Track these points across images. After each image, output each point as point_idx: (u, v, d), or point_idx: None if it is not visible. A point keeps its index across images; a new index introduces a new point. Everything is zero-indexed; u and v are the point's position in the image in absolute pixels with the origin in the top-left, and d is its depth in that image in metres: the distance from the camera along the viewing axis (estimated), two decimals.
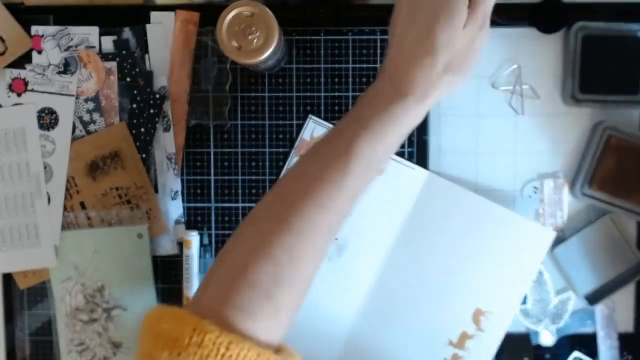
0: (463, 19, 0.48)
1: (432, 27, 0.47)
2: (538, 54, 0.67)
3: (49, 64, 0.67)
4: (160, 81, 0.67)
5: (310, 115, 0.67)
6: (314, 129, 0.67)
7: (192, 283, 0.67)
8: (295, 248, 0.45)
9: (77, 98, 0.67)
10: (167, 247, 0.68)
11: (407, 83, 0.48)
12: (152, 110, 0.67)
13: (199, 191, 0.68)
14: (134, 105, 0.67)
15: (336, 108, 0.68)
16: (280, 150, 0.68)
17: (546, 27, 0.65)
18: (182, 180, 0.68)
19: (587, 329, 0.67)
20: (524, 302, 0.67)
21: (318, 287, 0.65)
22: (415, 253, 0.66)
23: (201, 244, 0.68)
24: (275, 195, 0.49)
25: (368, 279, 0.66)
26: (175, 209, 0.68)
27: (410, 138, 0.67)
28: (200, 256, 0.67)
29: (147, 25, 0.67)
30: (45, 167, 0.67)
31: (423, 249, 0.66)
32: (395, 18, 0.51)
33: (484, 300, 0.65)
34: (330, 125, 0.67)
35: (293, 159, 0.67)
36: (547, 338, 0.67)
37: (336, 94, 0.68)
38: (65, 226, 0.68)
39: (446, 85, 0.49)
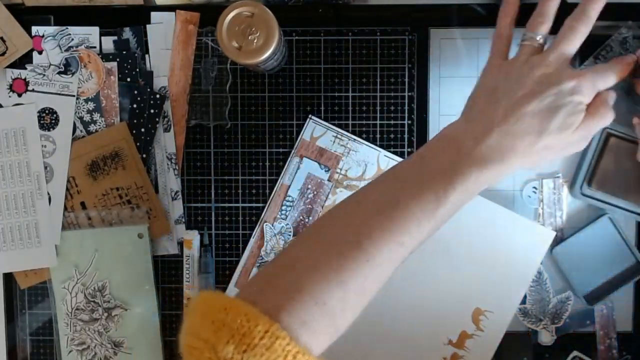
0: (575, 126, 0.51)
1: (546, 127, 0.50)
2: None
3: (50, 64, 0.67)
4: (161, 81, 0.67)
5: (310, 116, 0.67)
6: (314, 129, 0.67)
7: (193, 283, 0.67)
8: (367, 279, 0.46)
9: (77, 98, 0.67)
10: (167, 247, 0.68)
11: (510, 154, 0.49)
12: (152, 110, 0.67)
13: (199, 191, 0.69)
14: (134, 106, 0.67)
15: (336, 108, 0.68)
16: (280, 150, 0.68)
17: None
18: (182, 180, 0.68)
19: (586, 329, 0.68)
20: (524, 301, 0.67)
21: None
22: (415, 253, 0.66)
23: (202, 244, 0.68)
24: (355, 217, 0.48)
25: None
26: (175, 209, 0.68)
27: (410, 138, 0.67)
28: (200, 256, 0.68)
29: (148, 26, 0.67)
30: (45, 167, 0.67)
31: (423, 249, 0.66)
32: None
33: (484, 300, 0.66)
34: (330, 126, 0.67)
35: (294, 159, 0.67)
36: (546, 337, 0.67)
37: (336, 94, 0.68)
38: (66, 226, 0.68)
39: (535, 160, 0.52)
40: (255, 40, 0.57)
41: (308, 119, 0.67)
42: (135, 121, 0.67)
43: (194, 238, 0.67)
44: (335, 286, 0.44)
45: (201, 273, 0.67)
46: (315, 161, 0.67)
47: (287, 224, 0.67)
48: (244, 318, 0.41)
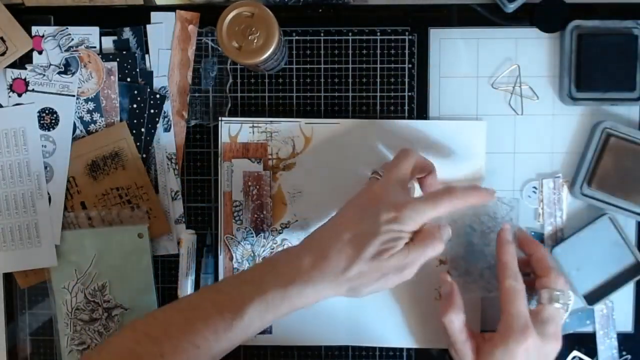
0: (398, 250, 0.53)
1: (362, 241, 0.52)
2: (537, 55, 0.67)
3: (50, 64, 0.67)
4: (161, 81, 0.67)
5: (220, 118, 0.67)
6: (229, 128, 0.67)
7: (182, 282, 0.67)
8: None
9: (77, 98, 0.67)
10: (167, 247, 0.68)
11: (318, 277, 0.52)
12: (152, 110, 0.67)
13: (199, 191, 0.69)
14: (134, 105, 0.67)
15: (336, 108, 0.68)
16: None
17: (547, 26, 0.65)
18: (182, 180, 0.68)
19: (586, 329, 0.68)
20: None
21: None
22: None
23: (204, 245, 0.68)
24: (161, 320, 0.54)
25: None
26: (175, 209, 0.68)
27: None
28: (202, 256, 0.68)
29: (148, 26, 0.67)
30: (45, 167, 0.67)
31: None
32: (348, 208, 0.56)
33: None
34: (242, 119, 0.67)
35: (224, 165, 0.67)
36: None
37: (336, 94, 0.68)
38: (66, 226, 0.68)
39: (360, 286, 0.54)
40: (255, 40, 0.57)
41: (219, 121, 0.67)
42: (135, 121, 0.67)
43: (184, 237, 0.67)
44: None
45: (203, 274, 0.67)
46: (244, 158, 0.67)
47: (246, 227, 0.67)
48: None
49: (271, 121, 0.67)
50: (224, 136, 0.67)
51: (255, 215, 0.67)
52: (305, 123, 0.67)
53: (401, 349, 0.68)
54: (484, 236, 0.62)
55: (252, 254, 0.67)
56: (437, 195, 0.54)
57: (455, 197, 0.54)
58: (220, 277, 0.67)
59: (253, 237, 0.67)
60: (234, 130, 0.67)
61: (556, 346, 0.57)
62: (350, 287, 0.53)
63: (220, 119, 0.67)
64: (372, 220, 0.52)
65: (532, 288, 0.60)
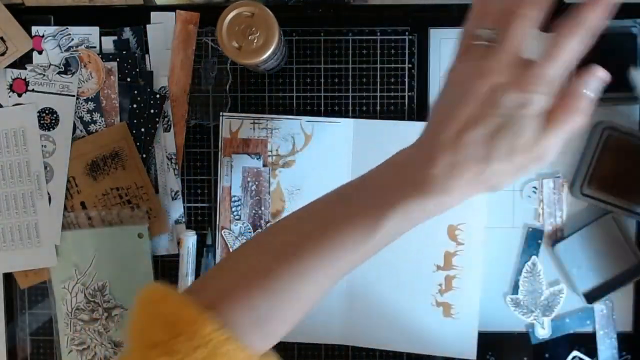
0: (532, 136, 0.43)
1: (494, 137, 0.43)
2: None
3: (50, 64, 0.67)
4: (161, 81, 0.68)
5: (221, 113, 0.67)
6: (230, 123, 0.67)
7: (182, 282, 0.67)
8: (299, 294, 0.46)
9: (77, 98, 0.67)
10: (167, 247, 0.68)
11: (454, 184, 0.44)
12: (152, 110, 0.67)
13: (199, 191, 0.69)
14: (134, 105, 0.67)
15: (336, 108, 0.68)
16: None
17: (547, 25, 0.65)
18: (182, 180, 0.68)
19: (586, 329, 0.68)
20: (516, 292, 0.67)
21: None
22: None
23: (204, 245, 0.68)
24: (292, 234, 0.47)
25: None
26: (175, 209, 0.68)
27: None
28: (203, 256, 0.68)
29: (148, 26, 0.67)
30: (45, 167, 0.67)
31: None
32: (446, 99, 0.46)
33: (453, 214, 0.66)
34: (243, 115, 0.67)
35: (224, 160, 0.67)
36: (541, 332, 0.67)
37: (336, 94, 0.68)
38: (66, 226, 0.68)
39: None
40: (255, 40, 0.57)
41: (220, 117, 0.67)
42: (135, 121, 0.67)
43: (186, 238, 0.67)
44: (265, 293, 0.45)
45: (202, 273, 0.67)
46: (244, 153, 0.67)
47: (244, 223, 0.67)
48: (176, 308, 0.43)
49: (272, 118, 0.67)
50: (224, 131, 0.67)
51: (254, 211, 0.67)
52: (306, 121, 0.67)
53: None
54: None
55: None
56: (565, 37, 0.43)
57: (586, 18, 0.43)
58: None
59: (250, 232, 0.67)
60: (235, 125, 0.67)
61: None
62: (485, 188, 0.45)
63: (221, 114, 0.67)
64: (499, 111, 0.43)
65: None
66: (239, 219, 0.67)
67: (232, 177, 0.67)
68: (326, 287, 0.47)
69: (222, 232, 0.67)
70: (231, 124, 0.67)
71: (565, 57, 0.43)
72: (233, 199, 0.67)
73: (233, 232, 0.67)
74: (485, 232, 0.67)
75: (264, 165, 0.67)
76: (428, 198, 0.44)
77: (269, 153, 0.67)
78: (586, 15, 0.44)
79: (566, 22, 0.44)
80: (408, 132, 0.66)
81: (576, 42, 0.43)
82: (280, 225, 0.49)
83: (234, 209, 0.67)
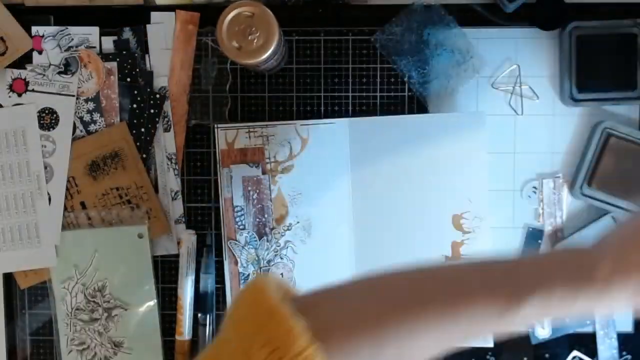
0: None
1: None
2: (537, 55, 0.67)
3: (50, 64, 0.67)
4: (161, 81, 0.67)
5: (216, 125, 0.67)
6: (225, 134, 0.67)
7: (182, 282, 0.67)
8: (426, 349, 0.42)
9: (77, 98, 0.67)
10: (167, 247, 0.68)
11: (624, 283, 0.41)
12: (152, 110, 0.67)
13: (199, 191, 0.69)
14: (134, 105, 0.67)
15: (336, 108, 0.68)
16: None
17: (547, 25, 0.65)
18: (182, 180, 0.68)
19: (586, 329, 0.68)
20: None
21: (308, 270, 0.67)
22: (375, 195, 0.67)
23: (204, 245, 0.68)
24: (426, 292, 0.43)
25: (346, 243, 0.67)
26: (175, 209, 0.68)
27: None
28: (202, 256, 0.68)
29: (148, 26, 0.67)
30: (45, 167, 0.67)
31: (380, 188, 0.67)
32: None
33: (456, 204, 0.66)
34: (237, 125, 0.67)
35: (223, 171, 0.67)
36: (541, 332, 0.67)
37: (336, 94, 0.68)
38: (66, 226, 0.68)
39: None
40: (255, 40, 0.57)
41: (215, 128, 0.67)
42: (135, 121, 0.67)
43: (184, 238, 0.67)
44: (373, 341, 0.40)
45: (204, 273, 0.67)
46: (242, 163, 0.67)
47: (249, 232, 0.67)
48: (286, 329, 0.39)
49: (267, 125, 0.67)
50: (221, 143, 0.67)
51: (258, 219, 0.67)
52: (301, 125, 0.67)
53: None
54: None
55: (256, 258, 0.67)
56: None
57: None
58: (226, 282, 0.67)
59: (256, 241, 0.67)
60: (231, 136, 0.67)
61: None
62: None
63: (215, 125, 0.67)
64: None
65: None
66: (243, 229, 0.67)
67: (233, 188, 0.67)
68: (429, 353, 0.43)
69: (229, 243, 0.67)
70: (227, 135, 0.67)
71: None
72: (236, 209, 0.67)
73: (239, 242, 0.67)
74: (489, 220, 0.66)
75: (263, 173, 0.67)
76: (581, 289, 0.41)
77: (267, 160, 0.67)
78: None
79: None
80: (403, 125, 0.66)
81: None
82: (406, 276, 0.45)
83: (237, 219, 0.67)
